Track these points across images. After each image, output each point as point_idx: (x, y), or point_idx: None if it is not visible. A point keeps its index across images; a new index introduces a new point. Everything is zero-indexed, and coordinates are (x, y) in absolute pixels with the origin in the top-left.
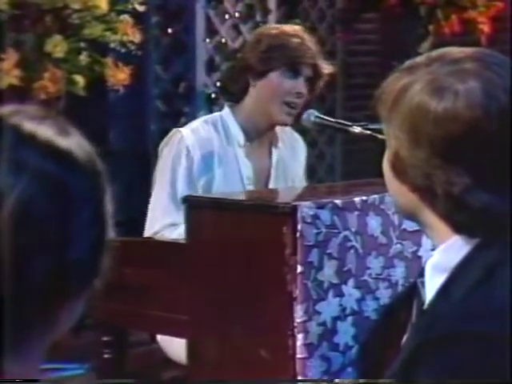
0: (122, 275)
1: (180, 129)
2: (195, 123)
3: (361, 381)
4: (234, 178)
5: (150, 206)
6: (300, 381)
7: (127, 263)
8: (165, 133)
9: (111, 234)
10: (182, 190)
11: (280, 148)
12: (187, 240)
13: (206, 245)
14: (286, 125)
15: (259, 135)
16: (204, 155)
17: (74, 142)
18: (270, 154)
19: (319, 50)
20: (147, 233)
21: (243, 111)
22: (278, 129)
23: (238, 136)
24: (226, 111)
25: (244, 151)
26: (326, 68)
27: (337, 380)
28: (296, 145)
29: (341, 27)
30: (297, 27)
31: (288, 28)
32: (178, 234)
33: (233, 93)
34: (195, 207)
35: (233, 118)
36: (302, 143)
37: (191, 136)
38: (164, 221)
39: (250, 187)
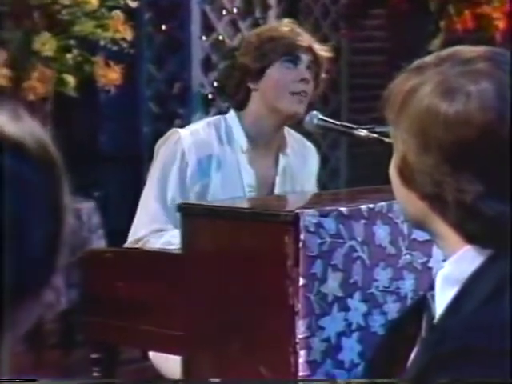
0: (112, 288)
1: (178, 129)
2: (196, 125)
3: (361, 381)
4: (233, 185)
5: (138, 209)
6: (300, 381)
7: (118, 275)
8: (158, 136)
9: (69, 228)
10: (173, 195)
11: (288, 155)
12: (182, 250)
13: (202, 255)
14: (300, 115)
15: (265, 140)
16: (201, 159)
17: (26, 129)
18: (277, 161)
19: (315, 39)
20: (130, 238)
21: (249, 116)
22: (287, 135)
23: (241, 141)
24: (231, 114)
25: (247, 157)
26: (324, 50)
27: (337, 380)
28: (307, 153)
29: (345, 24)
30: (284, 20)
31: (277, 23)
32: (164, 242)
33: (235, 101)
34: (190, 215)
35: (237, 121)
36: (313, 152)
37: (189, 138)
38: (150, 226)
39: (252, 195)
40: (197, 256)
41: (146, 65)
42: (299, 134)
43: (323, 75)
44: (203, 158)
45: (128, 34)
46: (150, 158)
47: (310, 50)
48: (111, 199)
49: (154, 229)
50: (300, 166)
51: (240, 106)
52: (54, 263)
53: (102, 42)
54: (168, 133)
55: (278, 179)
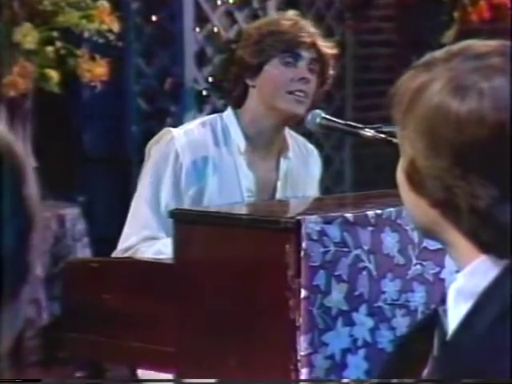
0: (98, 301)
1: (171, 129)
2: (190, 124)
3: (361, 381)
4: (231, 190)
5: (129, 215)
6: (300, 381)
7: (104, 287)
8: (148, 136)
9: (38, 227)
10: (166, 200)
11: (290, 159)
12: (175, 259)
13: (196, 265)
14: (299, 116)
15: (265, 142)
16: (195, 161)
17: None
18: (278, 164)
19: (319, 33)
20: (120, 246)
21: (247, 115)
22: (288, 137)
23: (239, 141)
24: (229, 113)
25: (246, 160)
26: (330, 47)
27: (337, 380)
28: (309, 157)
29: (350, 15)
30: (290, 13)
31: (279, 15)
32: (156, 251)
33: (233, 98)
34: (184, 222)
35: (235, 121)
36: (316, 156)
37: (182, 138)
38: (140, 233)
39: (251, 200)
40: (190, 266)
41: (135, 59)
42: (300, 134)
43: (330, 73)
44: (198, 160)
45: (115, 26)
46: (139, 160)
47: (313, 46)
48: (97, 204)
49: (144, 236)
50: (302, 171)
51: (238, 104)
52: (27, 261)
53: (86, 34)
54: (160, 132)
55: (279, 184)
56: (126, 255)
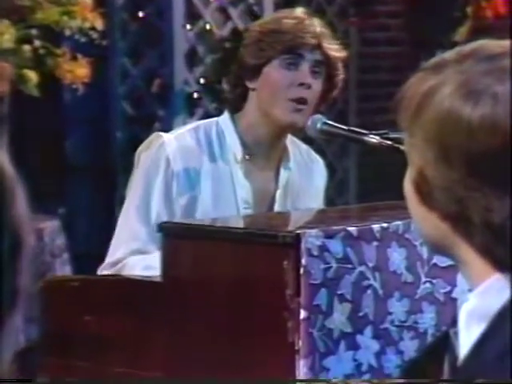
0: (79, 323)
1: (161, 133)
2: (182, 129)
3: (360, 381)
4: (226, 201)
5: (117, 226)
6: (300, 381)
7: (87, 308)
8: (134, 142)
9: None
10: (157, 210)
11: (291, 169)
12: (162, 277)
13: (186, 283)
14: (297, 126)
15: (263, 150)
16: (187, 168)
17: None
18: (277, 174)
19: (328, 32)
20: (108, 259)
21: (244, 120)
22: (290, 145)
23: (235, 149)
24: (225, 117)
25: (242, 168)
26: (337, 49)
27: (337, 380)
28: (313, 167)
29: (354, 10)
30: (297, 10)
31: (283, 12)
32: (145, 265)
33: (230, 101)
34: (173, 236)
35: (232, 126)
36: (321, 166)
37: (173, 143)
38: (129, 246)
39: (248, 212)
40: (180, 284)
41: (120, 58)
42: (300, 140)
43: (339, 77)
44: (191, 167)
45: (98, 23)
46: (124, 169)
47: (317, 47)
48: (78, 217)
49: (133, 249)
50: (305, 182)
51: (235, 108)
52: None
53: (67, 32)
54: (150, 137)
55: (278, 195)
56: (113, 270)
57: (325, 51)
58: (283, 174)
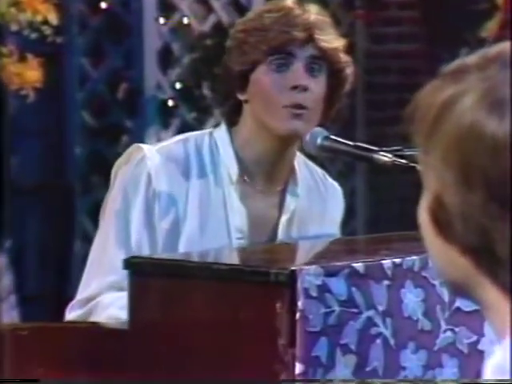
0: (29, 379)
1: (142, 145)
2: (169, 141)
3: (358, 380)
4: (215, 229)
5: (90, 255)
6: (300, 381)
7: (39, 361)
8: (96, 159)
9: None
10: (137, 234)
11: (299, 196)
12: (128, 323)
13: (156, 330)
14: (298, 135)
15: (264, 170)
16: (172, 187)
17: None
18: (283, 201)
19: (324, 20)
20: (78, 296)
21: (240, 135)
22: (300, 167)
23: (231, 168)
24: (221, 130)
25: (237, 190)
26: (331, 39)
27: (336, 380)
28: (328, 197)
29: (361, 0)
30: (288, 0)
31: (269, 4)
32: (123, 305)
33: (224, 114)
34: (143, 274)
35: (228, 141)
36: (338, 194)
37: (156, 157)
38: (105, 279)
39: (241, 243)
40: (148, 331)
41: (78, 58)
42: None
43: (345, 71)
44: (176, 185)
45: (51, 16)
46: (85, 191)
47: (308, 41)
48: (28, 251)
49: (109, 283)
50: (316, 212)
51: (231, 121)
52: None
53: (14, 27)
54: (129, 149)
55: (281, 226)
56: (85, 309)
57: (319, 44)
58: (289, 200)
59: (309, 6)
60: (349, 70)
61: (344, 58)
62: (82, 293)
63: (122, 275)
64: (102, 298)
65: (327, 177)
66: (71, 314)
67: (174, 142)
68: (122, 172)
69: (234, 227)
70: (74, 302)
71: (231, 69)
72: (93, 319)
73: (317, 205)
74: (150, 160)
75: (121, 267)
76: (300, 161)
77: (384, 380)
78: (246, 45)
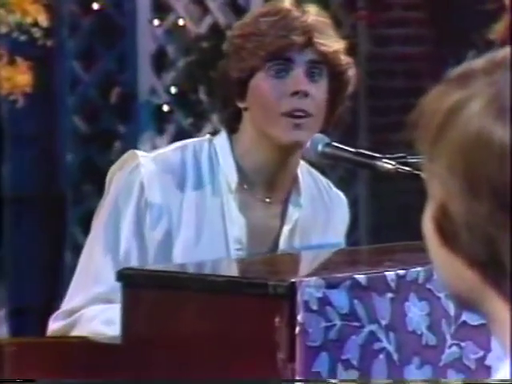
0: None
1: (138, 152)
2: (166, 148)
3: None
4: (213, 239)
5: (78, 264)
6: (300, 381)
7: (27, 377)
8: (88, 167)
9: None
10: (126, 245)
11: (302, 206)
12: (121, 337)
13: (150, 344)
14: (298, 144)
15: (265, 179)
16: (166, 197)
17: None
18: (285, 211)
19: (323, 21)
20: (63, 306)
21: (241, 143)
22: (304, 176)
23: (230, 176)
24: (222, 137)
25: (236, 200)
26: (334, 41)
27: (336, 380)
28: (333, 207)
29: (364, 0)
30: (286, 1)
31: (266, 6)
32: (107, 320)
33: (224, 121)
34: (134, 285)
35: (229, 149)
36: (343, 203)
37: (151, 165)
38: (91, 290)
39: (240, 255)
40: (141, 345)
41: (69, 62)
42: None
43: (348, 71)
44: (170, 195)
45: (41, 17)
46: (76, 200)
47: (307, 45)
48: (18, 261)
49: (95, 294)
50: (320, 223)
51: (232, 128)
52: None
53: (3, 29)
54: (125, 155)
55: (282, 238)
56: (68, 321)
57: (318, 48)
58: (292, 211)
59: (307, 7)
60: (351, 72)
61: (345, 60)
62: (66, 303)
63: (109, 286)
64: (86, 311)
65: (332, 186)
66: (54, 324)
67: (171, 150)
68: (115, 179)
69: (232, 238)
70: (57, 313)
71: (229, 75)
72: (76, 332)
73: (320, 215)
74: (143, 168)
75: (108, 278)
76: (303, 169)
77: (385, 380)
78: (244, 51)
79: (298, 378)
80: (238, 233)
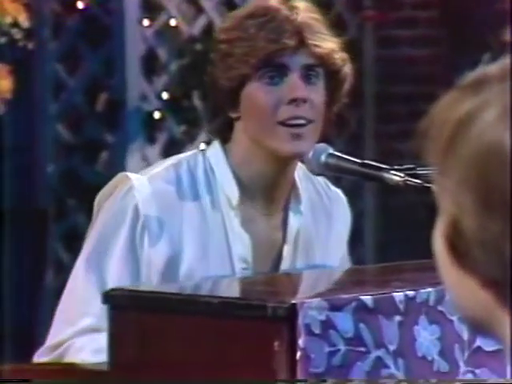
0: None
1: (130, 174)
2: (159, 167)
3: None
4: (216, 260)
5: (64, 295)
6: (300, 381)
7: None
8: (72, 179)
9: None
10: (117, 275)
11: (302, 213)
12: (109, 364)
13: (139, 370)
14: (298, 155)
15: (265, 190)
16: (165, 220)
17: None
18: (285, 220)
19: (315, 18)
20: (48, 341)
21: (236, 153)
22: (301, 180)
23: (229, 190)
24: (215, 149)
25: (239, 216)
26: (327, 41)
27: (335, 380)
28: (333, 208)
29: (371, 0)
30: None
31: (252, 6)
32: (96, 349)
33: (214, 131)
34: (123, 308)
35: (224, 160)
36: (343, 203)
37: (146, 188)
38: (78, 323)
39: (246, 273)
40: (130, 373)
41: (52, 65)
42: None
43: (344, 68)
44: (169, 218)
45: (22, 17)
46: (59, 215)
47: (300, 47)
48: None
49: (82, 327)
50: (322, 229)
51: (224, 137)
52: None
53: None
54: (115, 179)
55: (286, 249)
56: (56, 353)
57: (312, 50)
58: (293, 219)
59: (295, 2)
60: (347, 69)
61: (340, 57)
62: (52, 338)
63: (96, 318)
64: (74, 341)
65: (330, 185)
66: (40, 359)
67: (164, 168)
68: (106, 206)
69: (236, 255)
70: (43, 347)
71: (218, 84)
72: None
73: (321, 220)
74: (138, 191)
75: (95, 309)
76: (300, 173)
77: (387, 379)
78: (231, 58)
79: None
80: (242, 250)
